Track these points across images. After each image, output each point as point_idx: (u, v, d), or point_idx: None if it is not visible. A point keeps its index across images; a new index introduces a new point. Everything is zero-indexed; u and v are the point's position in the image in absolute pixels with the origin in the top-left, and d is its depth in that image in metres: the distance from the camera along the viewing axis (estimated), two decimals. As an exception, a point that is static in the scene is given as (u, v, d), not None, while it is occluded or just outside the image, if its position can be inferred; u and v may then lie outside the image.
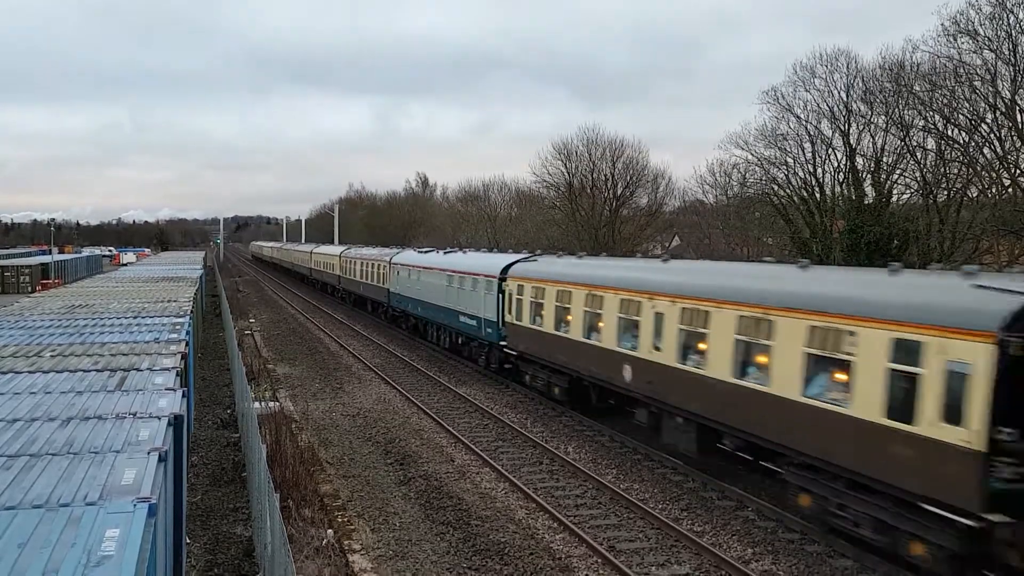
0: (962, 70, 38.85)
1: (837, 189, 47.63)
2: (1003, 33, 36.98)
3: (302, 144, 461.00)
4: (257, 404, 23.34)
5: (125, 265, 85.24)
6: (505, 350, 29.33)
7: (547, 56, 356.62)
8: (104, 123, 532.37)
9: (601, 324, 22.75)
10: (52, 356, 16.04)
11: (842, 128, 46.29)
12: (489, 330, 31.02)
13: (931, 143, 42.22)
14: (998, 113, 38.12)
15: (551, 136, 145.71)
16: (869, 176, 45.53)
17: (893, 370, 13.03)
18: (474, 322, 32.60)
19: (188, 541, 13.84)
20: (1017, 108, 37.30)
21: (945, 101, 40.01)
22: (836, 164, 47.63)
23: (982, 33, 37.65)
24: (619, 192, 68.68)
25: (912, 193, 44.25)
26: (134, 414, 10.72)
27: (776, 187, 50.65)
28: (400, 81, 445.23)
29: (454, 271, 35.37)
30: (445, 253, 41.48)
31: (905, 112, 42.25)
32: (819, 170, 48.24)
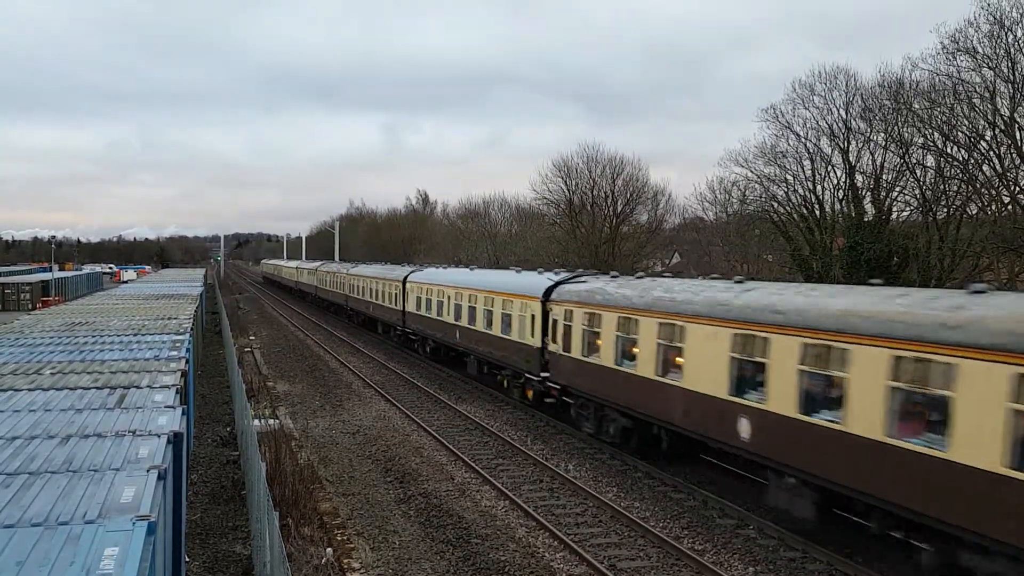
0: (961, 88, 39.04)
1: (837, 206, 47.76)
2: (1001, 51, 37.18)
3: (308, 161, 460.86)
4: (257, 422, 23.30)
5: (126, 282, 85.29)
6: None
7: (557, 71, 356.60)
8: (111, 140, 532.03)
9: None
10: (52, 374, 16.01)
11: (841, 146, 46.47)
12: None
13: (930, 160, 42.41)
14: (997, 130, 38.26)
15: (560, 151, 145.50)
16: (869, 193, 45.66)
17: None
18: None
19: (187, 559, 13.79)
20: (1016, 125, 37.42)
21: (944, 119, 40.16)
22: (836, 181, 47.81)
23: (981, 51, 37.88)
24: (619, 209, 68.81)
25: (912, 210, 44.41)
26: (134, 432, 10.69)
27: (776, 204, 50.80)
28: (409, 98, 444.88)
29: None
30: None
31: (904, 129, 42.43)
32: (819, 187, 48.44)
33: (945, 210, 41.40)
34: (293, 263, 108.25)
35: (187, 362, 18.56)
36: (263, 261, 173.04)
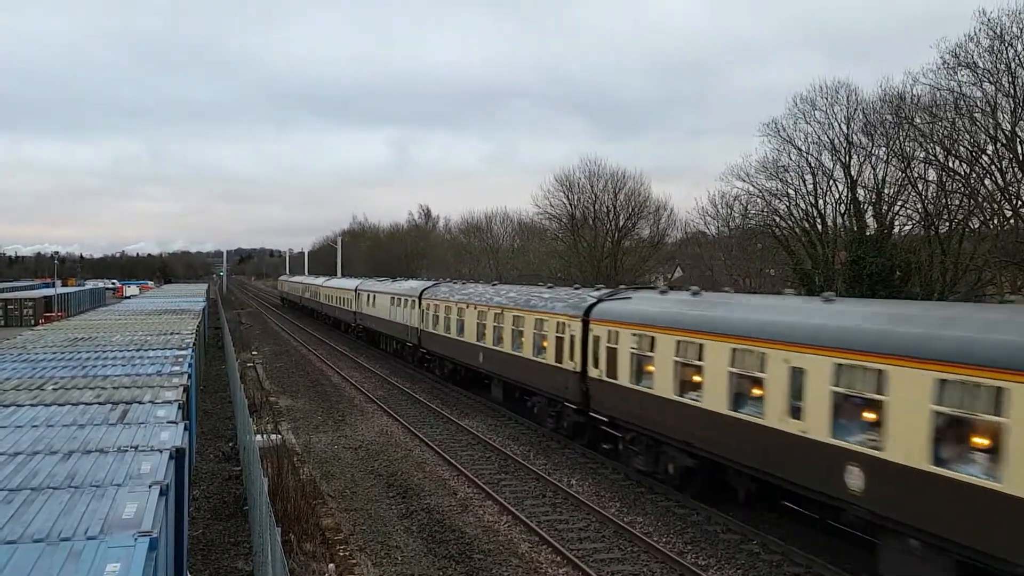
0: (962, 102, 39.10)
1: (839, 220, 47.78)
2: (1002, 66, 37.27)
3: (315, 175, 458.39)
4: (259, 437, 23.26)
5: (128, 298, 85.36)
6: None
7: (565, 86, 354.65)
8: (119, 154, 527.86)
9: None
10: (54, 389, 16.00)
11: (843, 160, 46.51)
12: None
13: (932, 175, 42.42)
14: (999, 144, 38.30)
15: (565, 166, 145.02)
16: (871, 207, 45.67)
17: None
18: None
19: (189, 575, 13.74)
20: (1018, 139, 37.46)
21: (946, 133, 40.22)
22: (837, 196, 47.82)
23: (981, 66, 37.97)
24: (621, 224, 68.89)
25: (914, 224, 44.39)
26: (136, 447, 10.68)
27: (778, 219, 50.80)
28: (417, 112, 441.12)
29: None
30: None
31: (906, 144, 42.49)
32: (820, 202, 48.44)
33: (947, 224, 41.40)
34: (350, 282, 66.04)
35: (189, 377, 18.55)
36: (282, 278, 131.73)
